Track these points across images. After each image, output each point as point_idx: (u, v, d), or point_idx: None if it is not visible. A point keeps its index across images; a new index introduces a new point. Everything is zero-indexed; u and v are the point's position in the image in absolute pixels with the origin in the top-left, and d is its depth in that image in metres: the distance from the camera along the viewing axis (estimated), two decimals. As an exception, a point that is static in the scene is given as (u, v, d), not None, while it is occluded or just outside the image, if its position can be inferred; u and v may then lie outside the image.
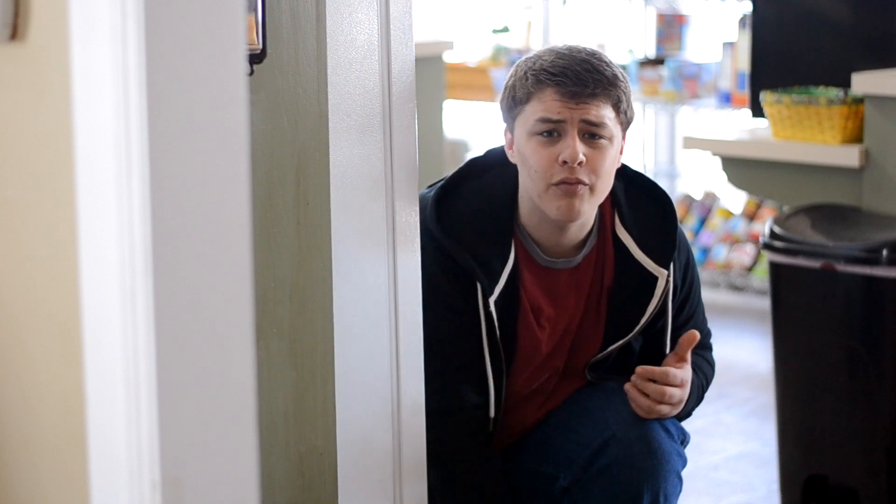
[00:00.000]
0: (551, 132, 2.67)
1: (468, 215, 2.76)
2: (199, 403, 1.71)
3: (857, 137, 4.00)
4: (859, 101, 3.98)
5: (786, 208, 4.15)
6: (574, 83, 2.66)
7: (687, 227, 6.53)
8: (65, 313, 1.85)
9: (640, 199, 2.83)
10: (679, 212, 6.54)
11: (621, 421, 2.73)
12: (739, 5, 6.38)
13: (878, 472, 3.66)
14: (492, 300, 2.72)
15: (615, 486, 2.71)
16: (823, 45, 4.61)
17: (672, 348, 2.82)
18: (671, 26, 6.89)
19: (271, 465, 2.46)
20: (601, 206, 2.79)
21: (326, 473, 2.52)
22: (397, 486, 2.56)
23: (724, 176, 4.36)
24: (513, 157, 2.76)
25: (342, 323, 2.48)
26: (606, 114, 2.67)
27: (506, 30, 7.83)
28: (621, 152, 2.74)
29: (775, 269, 3.80)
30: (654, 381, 2.72)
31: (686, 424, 2.87)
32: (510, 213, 2.77)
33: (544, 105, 2.67)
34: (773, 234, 3.79)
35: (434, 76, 6.10)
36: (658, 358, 2.81)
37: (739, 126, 5.04)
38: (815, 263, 3.69)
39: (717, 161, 4.36)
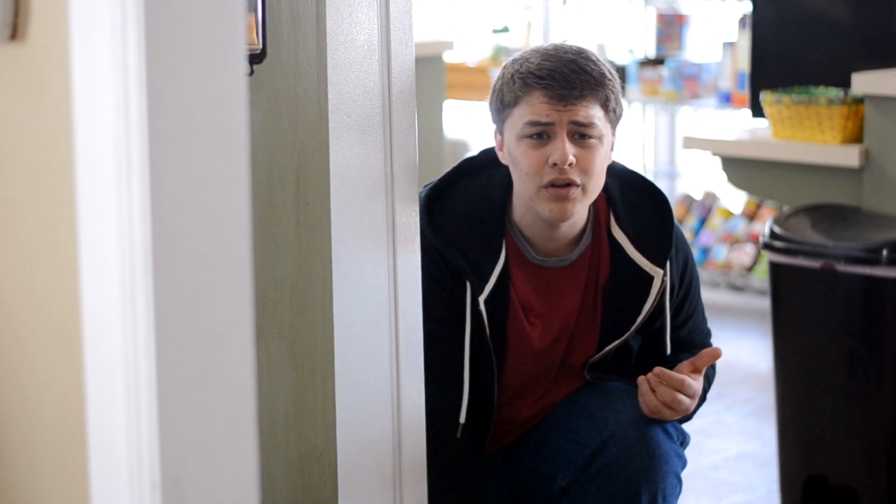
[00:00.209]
0: (541, 134, 2.67)
1: (460, 215, 2.77)
2: (199, 403, 1.71)
3: (857, 137, 4.00)
4: (859, 101, 3.98)
5: (786, 208, 4.15)
6: (561, 86, 2.65)
7: (687, 227, 6.53)
8: (65, 313, 1.85)
9: (635, 198, 2.83)
10: (679, 212, 6.56)
11: (620, 421, 2.73)
12: (739, 5, 6.37)
13: (878, 472, 3.66)
14: (481, 299, 2.72)
15: (613, 486, 2.71)
16: (823, 45, 4.61)
17: (672, 348, 2.82)
18: (671, 26, 6.88)
19: (271, 465, 2.46)
20: (596, 206, 2.79)
21: (326, 473, 2.52)
22: (397, 487, 2.56)
23: (724, 176, 4.36)
24: (503, 159, 2.76)
25: (342, 323, 2.48)
26: (595, 113, 2.67)
27: (506, 30, 7.83)
28: (612, 149, 2.74)
29: (775, 269, 3.80)
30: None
31: (686, 424, 2.86)
32: (502, 212, 2.77)
33: (532, 108, 2.67)
34: (773, 234, 3.79)
35: (434, 76, 6.10)
36: (657, 358, 2.81)
37: (739, 126, 5.04)
38: (815, 263, 3.69)
39: (717, 161, 4.36)
